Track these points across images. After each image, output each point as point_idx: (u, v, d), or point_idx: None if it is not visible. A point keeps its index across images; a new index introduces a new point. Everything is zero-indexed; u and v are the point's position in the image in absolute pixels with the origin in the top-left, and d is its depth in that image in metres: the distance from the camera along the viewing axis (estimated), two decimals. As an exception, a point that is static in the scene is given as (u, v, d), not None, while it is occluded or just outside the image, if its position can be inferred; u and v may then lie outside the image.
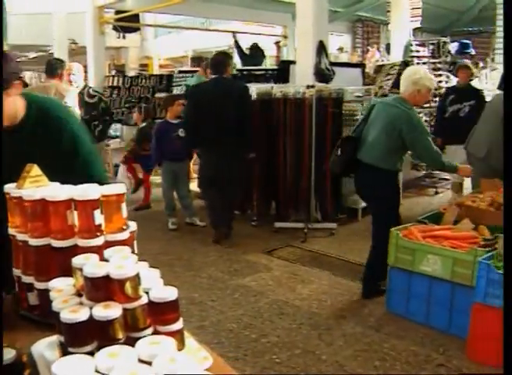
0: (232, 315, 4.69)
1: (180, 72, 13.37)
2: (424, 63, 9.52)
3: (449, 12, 17.19)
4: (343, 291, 5.20)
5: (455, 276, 4.17)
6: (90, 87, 7.41)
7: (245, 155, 6.61)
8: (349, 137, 5.21)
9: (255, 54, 12.50)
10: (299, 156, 6.88)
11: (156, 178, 9.33)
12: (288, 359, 3.97)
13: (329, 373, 3.81)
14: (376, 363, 3.92)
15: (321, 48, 7.46)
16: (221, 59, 6.65)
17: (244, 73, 10.48)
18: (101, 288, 1.51)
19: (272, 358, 3.99)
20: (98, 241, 1.74)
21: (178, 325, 1.58)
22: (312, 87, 6.68)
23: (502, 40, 13.96)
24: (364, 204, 7.61)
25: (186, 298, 4.99)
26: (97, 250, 1.70)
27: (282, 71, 8.45)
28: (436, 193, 8.91)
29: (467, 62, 9.14)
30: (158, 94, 11.47)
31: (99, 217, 1.77)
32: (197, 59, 18.22)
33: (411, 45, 9.84)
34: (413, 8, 11.16)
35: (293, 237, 6.79)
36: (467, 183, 7.43)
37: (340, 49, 15.72)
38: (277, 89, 7.02)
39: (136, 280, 1.52)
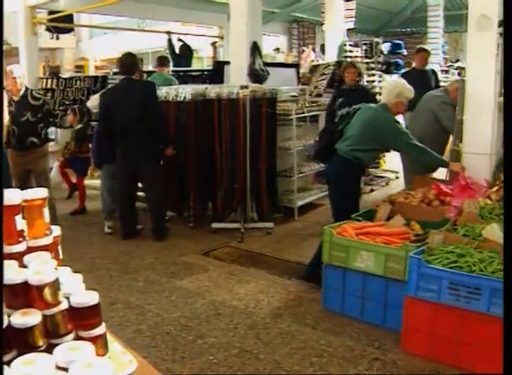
0: (169, 317, 4.66)
1: (115, 73, 13.18)
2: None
3: (382, 13, 17.58)
4: (280, 289, 5.24)
5: (388, 271, 4.26)
6: (32, 90, 7.12)
7: (163, 152, 6.82)
8: (325, 129, 6.37)
9: (185, 54, 12.50)
10: (234, 156, 6.89)
11: (93, 182, 9.20)
12: (225, 359, 3.97)
13: (266, 372, 3.82)
14: (313, 360, 3.96)
15: (255, 49, 7.51)
16: (129, 61, 6.72)
17: (181, 74, 10.46)
18: (20, 295, 1.48)
19: (210, 359, 3.98)
20: (20, 247, 1.70)
21: (100, 330, 1.55)
22: (246, 87, 6.70)
23: (433, 40, 14.42)
24: (300, 203, 7.72)
25: (123, 302, 4.94)
26: (20, 256, 1.67)
27: (217, 72, 8.44)
28: (371, 191, 9.05)
29: (356, 60, 8.95)
30: (93, 96, 11.27)
31: (21, 223, 1.73)
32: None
33: (345, 46, 9.98)
34: (346, 10, 11.35)
35: (231, 237, 6.78)
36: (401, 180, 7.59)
37: (277, 50, 15.84)
38: (211, 90, 7.00)
39: (55, 285, 1.50)
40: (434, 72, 8.52)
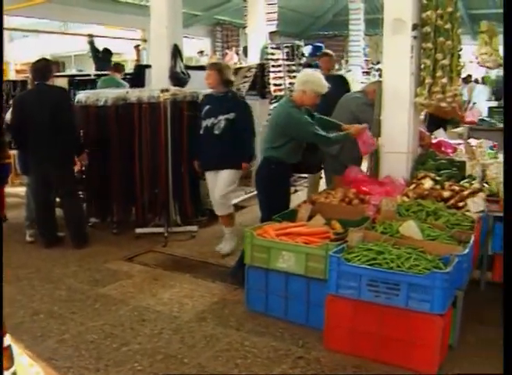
0: (92, 326, 4.57)
1: (35, 78, 12.86)
2: (279, 65, 9.76)
3: (305, 16, 17.82)
4: (204, 292, 5.22)
5: (309, 270, 4.30)
6: None
7: (77, 158, 6.75)
8: None
9: (106, 57, 12.37)
10: (156, 160, 6.81)
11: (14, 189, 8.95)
12: (150, 366, 3.93)
13: (190, 376, 3.81)
14: (238, 361, 3.97)
15: (176, 52, 7.47)
16: (42, 66, 6.58)
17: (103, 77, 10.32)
18: None
19: (134, 367, 3.92)
20: None
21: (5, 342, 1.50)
22: (167, 90, 6.66)
23: (355, 43, 14.72)
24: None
25: (46, 312, 4.81)
26: None
27: (138, 75, 8.35)
28: (295, 191, 9.13)
29: (221, 62, 8.32)
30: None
31: None
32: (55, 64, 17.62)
33: (267, 48, 10.05)
34: (268, 13, 11.44)
35: (155, 242, 6.72)
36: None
37: (201, 52, 15.82)
38: (132, 94, 6.92)
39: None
40: (342, 77, 8.47)
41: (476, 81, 13.86)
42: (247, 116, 6.14)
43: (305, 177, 9.52)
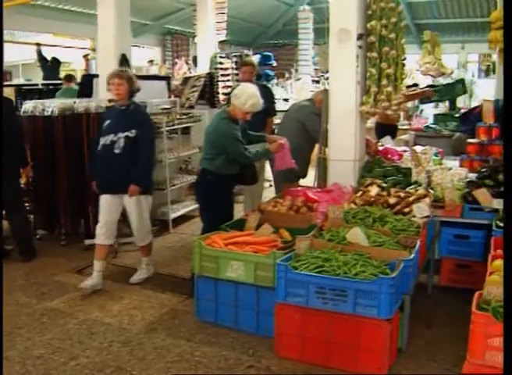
0: (40, 340, 4.48)
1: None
2: (228, 74, 9.79)
3: (255, 25, 17.90)
4: (154, 304, 5.18)
5: (258, 279, 4.32)
6: None
7: (23, 170, 6.61)
8: None
9: (54, 67, 12.25)
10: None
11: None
12: (99, 380, 3.89)
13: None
14: (188, 372, 3.95)
15: (124, 62, 7.41)
16: None
17: (51, 87, 10.20)
18: None
19: (83, 381, 3.88)
20: None
21: None
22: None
23: (304, 52, 14.84)
24: (174, 215, 7.70)
25: (-9, 329, 4.71)
26: None
27: (86, 85, 8.24)
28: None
29: (128, 70, 8.15)
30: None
31: None
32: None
33: (215, 57, 10.07)
34: (218, 22, 11.45)
35: (105, 253, 6.62)
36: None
37: (151, 62, 15.73)
38: (79, 104, 6.83)
39: None
40: (266, 87, 8.14)
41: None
42: (148, 135, 5.56)
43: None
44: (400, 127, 9.73)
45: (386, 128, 8.47)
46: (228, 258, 4.41)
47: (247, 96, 5.13)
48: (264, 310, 4.35)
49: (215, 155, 5.21)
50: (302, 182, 6.75)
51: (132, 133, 5.38)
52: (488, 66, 10.01)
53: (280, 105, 10.49)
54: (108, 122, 5.54)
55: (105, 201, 5.59)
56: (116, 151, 5.41)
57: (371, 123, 8.57)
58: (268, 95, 6.75)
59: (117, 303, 5.21)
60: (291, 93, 13.15)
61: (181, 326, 4.70)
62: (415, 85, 11.04)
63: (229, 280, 4.47)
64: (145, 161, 5.50)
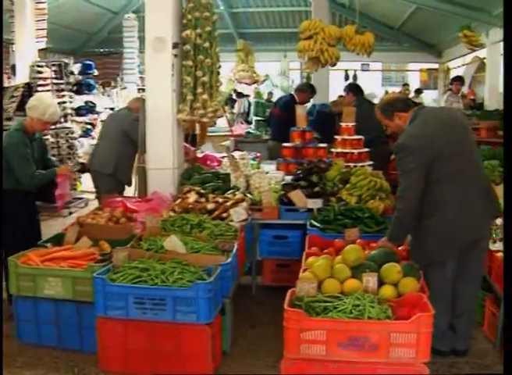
0: None
1: None
2: (47, 84, 9.45)
3: (79, 33, 17.43)
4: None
5: (77, 294, 4.21)
6: None
7: None
8: None
9: None
10: None
11: None
12: None
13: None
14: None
15: None
16: None
17: None
18: None
19: None
20: None
21: None
22: None
23: (129, 60, 14.69)
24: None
25: None
26: None
27: None
28: (70, 213, 8.87)
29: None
30: None
31: None
32: None
33: (34, 66, 9.68)
34: (38, 29, 11.02)
35: None
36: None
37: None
38: None
39: None
40: None
41: (243, 95, 14.56)
42: None
43: (80, 198, 9.35)
44: (220, 134, 9.98)
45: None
46: (45, 276, 4.25)
47: (45, 106, 5.02)
48: (87, 325, 4.25)
49: (7, 168, 4.97)
50: (127, 191, 6.71)
51: None
52: (309, 73, 10.53)
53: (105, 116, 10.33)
54: None
55: None
56: None
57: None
58: None
59: None
60: (117, 102, 12.98)
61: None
62: (235, 91, 11.47)
63: (49, 298, 4.31)
64: None
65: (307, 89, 8.64)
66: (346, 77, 18.33)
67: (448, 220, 3.96)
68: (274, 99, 12.40)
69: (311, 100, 8.97)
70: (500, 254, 4.38)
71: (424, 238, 4.06)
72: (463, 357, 4.26)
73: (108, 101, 12.46)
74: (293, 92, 9.04)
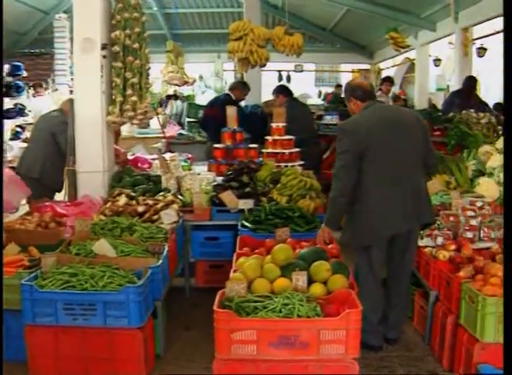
0: None
1: None
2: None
3: (8, 33, 16.92)
4: None
5: (5, 303, 4.09)
6: None
7: None
8: None
9: None
10: None
11: None
12: None
13: None
14: None
15: None
16: None
17: None
18: None
19: None
20: None
21: None
22: None
23: (61, 61, 14.39)
24: None
25: None
26: None
27: None
28: None
29: None
30: None
31: None
32: None
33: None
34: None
35: None
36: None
37: None
38: None
39: None
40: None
41: (176, 97, 14.46)
42: None
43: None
44: (152, 136, 9.91)
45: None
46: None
47: None
48: (14, 334, 4.08)
49: None
50: (58, 195, 6.58)
51: None
52: (242, 74, 10.56)
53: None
54: None
55: None
56: None
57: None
58: None
59: None
60: (49, 103, 12.66)
61: None
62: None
63: (-26, 307, 4.20)
64: None
65: (239, 86, 8.71)
66: (280, 78, 18.44)
67: (369, 210, 4.14)
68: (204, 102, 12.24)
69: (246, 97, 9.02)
70: (428, 249, 4.54)
71: (349, 223, 4.29)
72: (393, 345, 4.43)
73: (39, 103, 12.15)
74: (227, 91, 9.06)
